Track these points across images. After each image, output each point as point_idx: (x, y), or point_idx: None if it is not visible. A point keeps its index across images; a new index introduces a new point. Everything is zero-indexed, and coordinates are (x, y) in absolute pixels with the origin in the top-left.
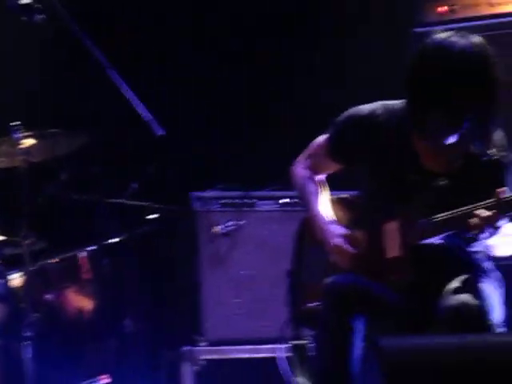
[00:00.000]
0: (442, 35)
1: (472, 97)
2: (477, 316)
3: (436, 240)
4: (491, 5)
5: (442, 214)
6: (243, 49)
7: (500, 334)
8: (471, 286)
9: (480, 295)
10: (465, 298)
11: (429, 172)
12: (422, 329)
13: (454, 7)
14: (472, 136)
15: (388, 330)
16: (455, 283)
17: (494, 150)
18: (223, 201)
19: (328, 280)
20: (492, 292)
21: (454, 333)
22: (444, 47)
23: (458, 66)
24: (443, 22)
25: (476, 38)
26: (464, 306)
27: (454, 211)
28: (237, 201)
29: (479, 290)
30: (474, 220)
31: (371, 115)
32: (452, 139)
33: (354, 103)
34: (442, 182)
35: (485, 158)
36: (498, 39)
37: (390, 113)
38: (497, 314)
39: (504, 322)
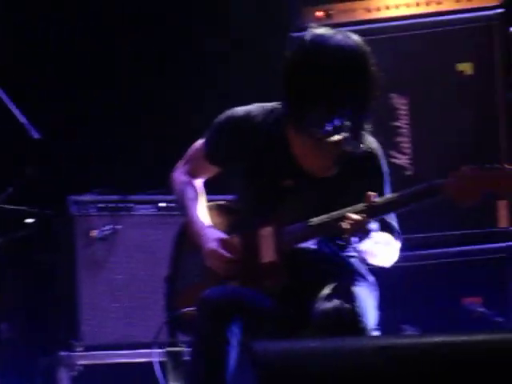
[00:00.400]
0: (320, 31)
1: (348, 91)
2: (350, 320)
3: (310, 244)
4: (368, 10)
5: (316, 218)
6: (115, 50)
7: (373, 337)
8: (345, 291)
9: (354, 299)
10: (338, 302)
11: (305, 175)
12: (297, 334)
13: (331, 12)
14: (348, 133)
15: (264, 335)
16: (329, 287)
17: (370, 152)
18: (100, 205)
19: (203, 293)
20: (366, 296)
21: (328, 337)
22: (321, 42)
23: (335, 60)
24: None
25: (354, 36)
26: (337, 310)
27: (327, 215)
28: (114, 205)
29: (353, 294)
30: (345, 223)
31: (247, 116)
32: (329, 130)
33: (234, 106)
34: (317, 185)
35: (360, 154)
36: (375, 44)
37: (266, 114)
38: (371, 317)
39: (378, 325)
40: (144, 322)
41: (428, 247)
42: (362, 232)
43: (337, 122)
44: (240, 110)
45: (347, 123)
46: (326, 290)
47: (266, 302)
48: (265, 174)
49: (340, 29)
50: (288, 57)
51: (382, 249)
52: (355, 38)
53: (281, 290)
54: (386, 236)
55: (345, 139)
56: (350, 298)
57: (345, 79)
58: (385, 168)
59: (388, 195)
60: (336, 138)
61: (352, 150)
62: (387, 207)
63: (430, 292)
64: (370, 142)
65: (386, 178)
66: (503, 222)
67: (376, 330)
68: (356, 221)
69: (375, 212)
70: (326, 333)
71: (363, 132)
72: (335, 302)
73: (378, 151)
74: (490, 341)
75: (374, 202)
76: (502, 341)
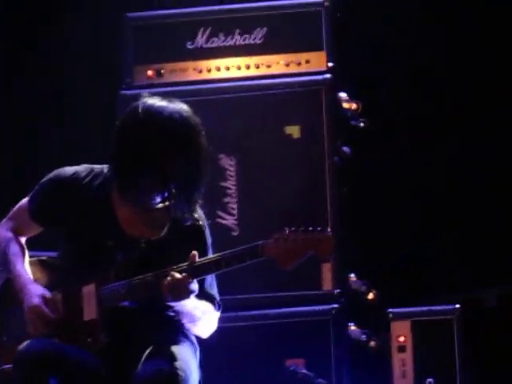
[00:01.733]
0: (151, 100)
1: (178, 161)
2: (171, 382)
3: (132, 303)
4: (199, 71)
5: (139, 277)
6: None
7: None
8: (166, 351)
9: (175, 360)
10: (159, 363)
11: (128, 237)
12: None
13: (163, 71)
14: (178, 201)
15: None
16: (151, 347)
17: (196, 223)
18: None
19: (21, 346)
20: (188, 356)
21: None
22: (152, 114)
23: (165, 134)
24: (152, 85)
25: (183, 105)
26: (159, 371)
27: (150, 274)
28: None
29: (174, 354)
30: (166, 282)
31: (73, 177)
32: (157, 201)
33: (61, 166)
34: (141, 246)
35: (188, 224)
36: (205, 105)
37: (94, 176)
38: (193, 378)
39: None
40: None
41: (253, 308)
42: (183, 291)
43: (165, 193)
44: (68, 170)
45: (175, 192)
46: (149, 349)
47: (90, 359)
48: (88, 234)
49: (171, 88)
50: (118, 123)
51: (200, 315)
52: (186, 109)
53: (102, 348)
54: (206, 304)
55: (172, 207)
56: (172, 357)
57: (174, 153)
58: (209, 240)
59: (211, 255)
60: (161, 205)
61: (179, 217)
62: (209, 267)
63: (254, 353)
64: (197, 212)
65: (209, 248)
66: (327, 285)
67: None
68: (177, 279)
69: (198, 271)
70: None
71: (193, 202)
72: (156, 363)
73: (203, 222)
74: None
75: (196, 261)
76: None
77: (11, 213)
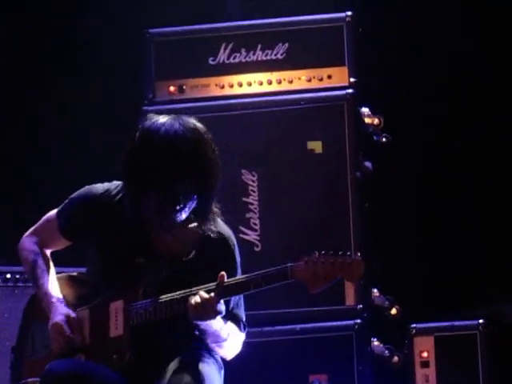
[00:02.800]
0: (148, 122)
1: (182, 178)
2: None
3: (159, 321)
4: (221, 86)
5: (167, 295)
6: None
7: None
8: (191, 368)
9: (200, 377)
10: (185, 379)
11: (159, 255)
12: None
13: (184, 87)
14: (196, 214)
15: None
16: (176, 364)
17: (224, 238)
18: None
19: (47, 366)
20: (213, 373)
21: None
22: (146, 136)
23: (161, 153)
24: (173, 101)
25: (189, 121)
26: None
27: (178, 292)
28: None
29: (199, 371)
30: (194, 301)
31: (105, 194)
32: (179, 217)
33: (90, 181)
34: (170, 265)
35: (217, 243)
36: (227, 120)
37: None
38: None
39: None
40: None
41: (276, 323)
42: (209, 312)
43: (180, 209)
44: (99, 186)
45: (192, 208)
46: (174, 365)
47: (113, 377)
48: (118, 250)
49: (193, 104)
50: (127, 146)
51: (225, 336)
52: (191, 124)
53: (127, 365)
54: (231, 326)
55: (196, 225)
56: (196, 374)
57: (175, 170)
58: (238, 257)
59: (240, 276)
60: (191, 225)
61: (204, 231)
62: (238, 288)
63: (278, 368)
64: (223, 228)
65: (238, 266)
66: (350, 300)
67: None
68: (205, 299)
69: (226, 292)
70: None
71: (212, 214)
72: (180, 379)
73: (231, 238)
74: None
75: (225, 282)
76: None
77: (37, 225)
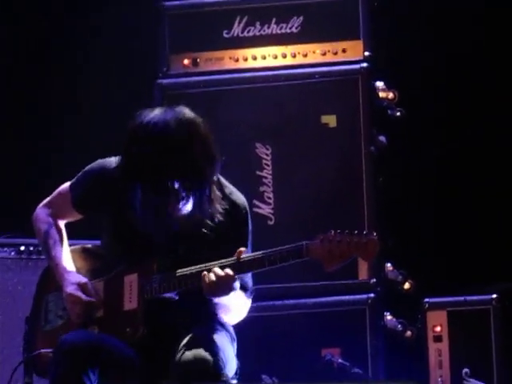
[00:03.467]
0: (144, 113)
1: (170, 166)
2: (210, 369)
3: (172, 295)
4: (236, 60)
5: (182, 270)
6: None
7: None
8: (205, 340)
9: (214, 348)
10: (198, 351)
11: (174, 230)
12: (157, 383)
13: (199, 60)
14: (195, 201)
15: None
16: (189, 337)
17: (237, 204)
18: None
19: (62, 336)
20: (226, 344)
21: None
22: (131, 131)
23: (148, 143)
24: (188, 73)
25: (180, 112)
26: (197, 360)
27: (194, 267)
28: None
29: (212, 342)
30: (208, 278)
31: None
32: (183, 210)
33: (101, 154)
34: (186, 240)
35: (227, 209)
36: (241, 94)
37: None
38: (230, 366)
39: (236, 374)
40: (2, 364)
41: (289, 298)
42: (224, 288)
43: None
44: (112, 160)
45: (186, 194)
46: (187, 338)
47: (126, 350)
48: (132, 224)
49: (207, 77)
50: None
51: (234, 306)
52: (178, 114)
53: (141, 338)
54: (239, 294)
55: (194, 210)
56: (210, 346)
57: (161, 161)
58: (249, 225)
59: (256, 253)
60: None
61: (204, 215)
62: (254, 264)
63: (290, 342)
64: (237, 195)
65: (249, 233)
66: (363, 275)
67: (235, 379)
68: (220, 276)
69: (242, 268)
70: (188, 382)
71: (210, 197)
72: (195, 352)
73: (244, 205)
74: None
75: (242, 258)
76: None
77: (51, 197)
